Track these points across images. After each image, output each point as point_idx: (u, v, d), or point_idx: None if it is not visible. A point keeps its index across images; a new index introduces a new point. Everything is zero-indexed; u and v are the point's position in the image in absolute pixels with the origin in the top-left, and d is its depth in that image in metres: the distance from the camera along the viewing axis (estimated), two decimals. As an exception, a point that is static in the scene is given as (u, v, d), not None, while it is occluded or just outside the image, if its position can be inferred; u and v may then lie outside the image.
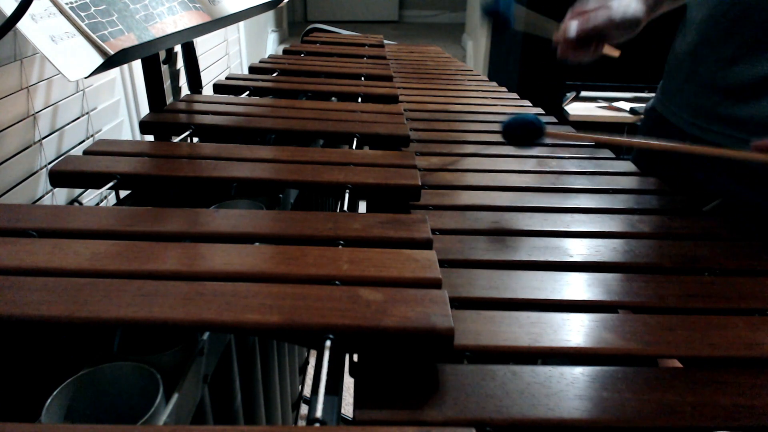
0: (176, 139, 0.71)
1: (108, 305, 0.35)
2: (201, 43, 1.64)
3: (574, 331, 0.41)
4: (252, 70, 1.13)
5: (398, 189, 0.59)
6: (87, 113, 1.03)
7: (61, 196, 0.95)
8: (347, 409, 0.95)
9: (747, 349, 0.40)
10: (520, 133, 0.68)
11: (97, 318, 0.34)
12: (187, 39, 0.83)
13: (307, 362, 1.24)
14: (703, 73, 0.70)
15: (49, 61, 0.52)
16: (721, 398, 0.35)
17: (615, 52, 0.79)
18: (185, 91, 0.96)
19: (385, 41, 1.61)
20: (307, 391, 1.18)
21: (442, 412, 0.33)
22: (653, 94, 0.85)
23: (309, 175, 0.60)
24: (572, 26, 0.73)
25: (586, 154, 0.80)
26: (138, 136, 1.24)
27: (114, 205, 0.58)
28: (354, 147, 0.73)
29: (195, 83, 0.94)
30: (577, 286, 0.47)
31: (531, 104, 1.05)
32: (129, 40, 0.61)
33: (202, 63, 1.35)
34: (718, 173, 0.69)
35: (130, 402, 0.36)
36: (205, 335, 0.39)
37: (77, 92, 0.99)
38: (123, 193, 0.62)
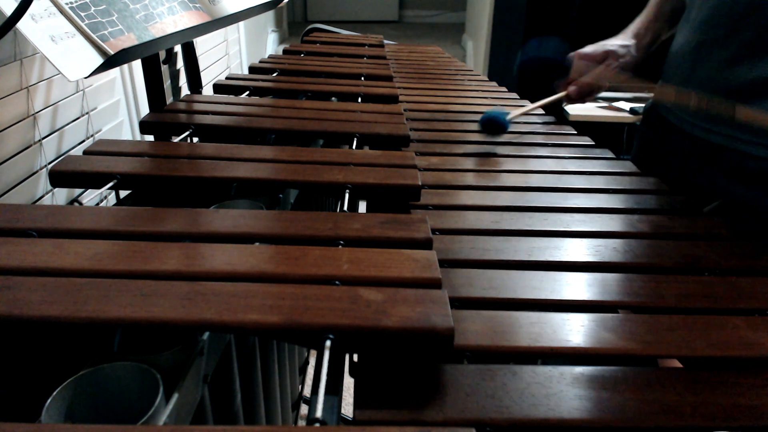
0: (176, 139, 0.71)
1: (108, 305, 0.35)
2: (201, 43, 1.64)
3: (574, 331, 0.41)
4: (252, 70, 1.13)
5: (398, 189, 0.59)
6: (87, 113, 1.03)
7: (61, 196, 0.95)
8: (347, 409, 0.95)
9: (747, 349, 0.40)
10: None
11: (97, 318, 0.34)
12: (187, 39, 0.83)
13: (307, 362, 1.24)
14: (703, 74, 0.70)
15: (49, 61, 0.52)
16: (721, 398, 0.35)
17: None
18: (185, 91, 0.96)
19: (385, 41, 1.61)
20: (307, 391, 1.18)
21: (442, 412, 0.33)
22: (653, 95, 0.85)
23: (309, 175, 0.60)
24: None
25: (586, 154, 0.80)
26: (138, 136, 1.24)
27: (114, 205, 0.58)
28: (354, 147, 0.73)
29: (195, 83, 0.94)
30: (577, 286, 0.47)
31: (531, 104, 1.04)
32: (129, 40, 0.61)
33: (202, 63, 1.35)
34: (717, 173, 0.69)
35: (130, 402, 0.36)
36: (205, 335, 0.39)
37: (77, 92, 0.99)
38: (123, 193, 0.62)
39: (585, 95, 0.81)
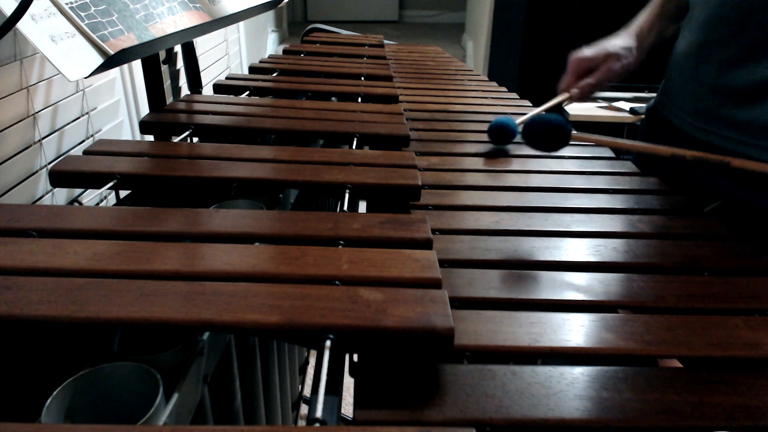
0: (176, 139, 0.71)
1: (108, 305, 0.35)
2: (201, 43, 1.64)
3: (574, 331, 0.41)
4: (252, 70, 1.13)
5: (398, 189, 0.59)
6: (87, 113, 1.03)
7: (61, 196, 0.95)
8: (347, 409, 0.95)
9: (747, 349, 0.40)
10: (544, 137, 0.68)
11: (97, 318, 0.34)
12: (187, 39, 0.83)
13: (307, 362, 1.24)
14: (705, 75, 0.70)
15: (49, 61, 0.52)
16: (721, 398, 0.35)
17: None
18: (185, 91, 0.96)
19: (385, 41, 1.61)
20: (307, 391, 1.18)
21: (442, 412, 0.33)
22: (653, 94, 0.85)
23: (309, 175, 0.60)
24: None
25: (586, 154, 0.80)
26: (138, 136, 1.24)
27: (114, 205, 0.58)
28: (354, 147, 0.73)
29: (195, 83, 0.94)
30: (577, 286, 0.47)
31: (531, 104, 1.05)
32: (129, 40, 0.61)
33: (202, 63, 1.35)
34: (718, 174, 0.69)
35: (130, 402, 0.36)
36: (205, 335, 0.39)
37: (77, 92, 0.99)
38: (123, 193, 0.62)
39: (587, 96, 0.81)
